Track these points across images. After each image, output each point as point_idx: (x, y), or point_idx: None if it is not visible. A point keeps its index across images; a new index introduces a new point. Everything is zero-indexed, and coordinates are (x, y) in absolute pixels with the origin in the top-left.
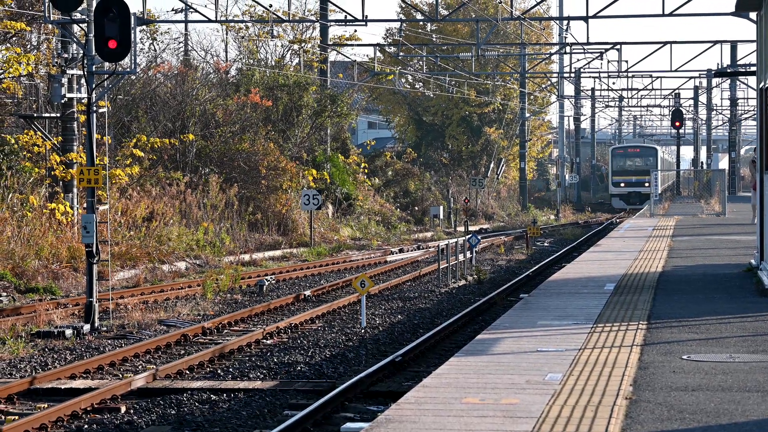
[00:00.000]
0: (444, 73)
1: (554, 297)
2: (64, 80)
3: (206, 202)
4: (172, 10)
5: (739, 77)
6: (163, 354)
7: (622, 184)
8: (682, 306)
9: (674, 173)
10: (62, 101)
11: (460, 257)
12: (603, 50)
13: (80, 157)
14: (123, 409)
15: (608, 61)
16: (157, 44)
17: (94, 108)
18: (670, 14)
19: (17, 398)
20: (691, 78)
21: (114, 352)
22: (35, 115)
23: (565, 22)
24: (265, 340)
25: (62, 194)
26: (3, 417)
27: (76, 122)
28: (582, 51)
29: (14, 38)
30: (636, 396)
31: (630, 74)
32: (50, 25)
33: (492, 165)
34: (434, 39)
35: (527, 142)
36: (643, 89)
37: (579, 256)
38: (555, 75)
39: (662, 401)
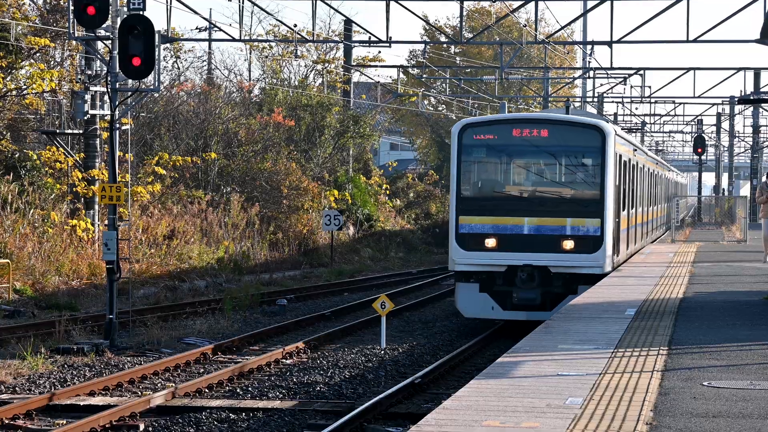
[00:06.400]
0: (467, 96)
1: (575, 321)
2: (87, 97)
3: (227, 221)
4: (196, 28)
5: (763, 104)
6: (182, 372)
7: (490, 242)
8: (703, 332)
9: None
10: (85, 118)
11: None
12: (626, 75)
13: (102, 173)
14: (141, 426)
15: (631, 86)
16: (181, 62)
17: (117, 125)
18: (694, 40)
19: (36, 414)
20: (714, 104)
21: (133, 369)
22: (58, 131)
23: (588, 47)
24: (284, 360)
25: (83, 211)
26: None
27: (98, 139)
28: (605, 75)
29: (38, 54)
30: (656, 422)
31: (653, 100)
32: (74, 42)
33: None
34: (458, 61)
35: None
36: (665, 115)
37: (600, 280)
38: (578, 99)
39: (682, 427)
